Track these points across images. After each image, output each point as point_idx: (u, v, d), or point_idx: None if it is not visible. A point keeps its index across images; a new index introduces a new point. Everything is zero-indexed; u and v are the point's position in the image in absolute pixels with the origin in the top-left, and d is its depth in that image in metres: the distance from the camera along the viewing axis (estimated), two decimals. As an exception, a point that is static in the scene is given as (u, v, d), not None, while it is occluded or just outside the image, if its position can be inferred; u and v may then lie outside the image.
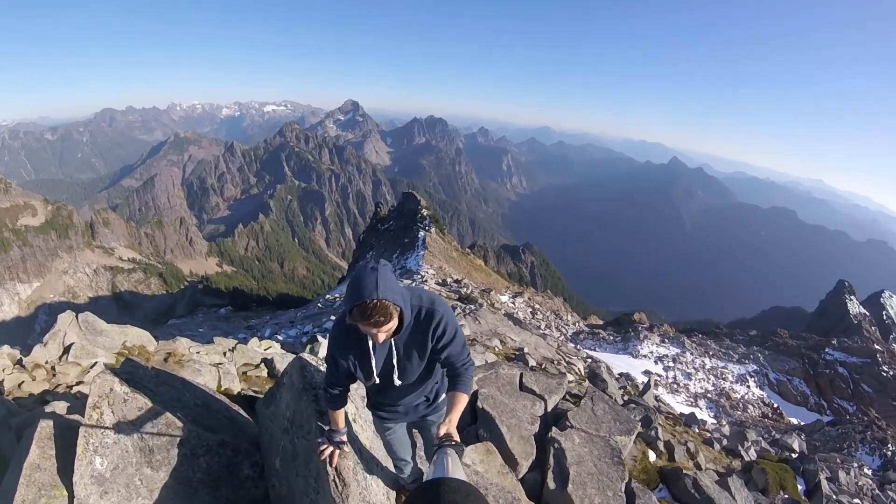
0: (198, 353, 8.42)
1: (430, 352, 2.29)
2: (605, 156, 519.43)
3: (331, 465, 2.61)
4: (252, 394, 6.46)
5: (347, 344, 2.28)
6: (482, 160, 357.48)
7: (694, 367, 30.28)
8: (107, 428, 2.82)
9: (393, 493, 3.04)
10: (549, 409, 5.96)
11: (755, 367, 32.55)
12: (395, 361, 2.27)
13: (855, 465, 15.11)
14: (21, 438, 3.51)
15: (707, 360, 31.82)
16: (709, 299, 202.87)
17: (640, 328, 36.99)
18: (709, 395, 27.33)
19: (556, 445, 4.95)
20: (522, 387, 6.25)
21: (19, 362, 6.98)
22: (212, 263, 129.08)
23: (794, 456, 11.98)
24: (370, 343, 2.20)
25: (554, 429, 5.29)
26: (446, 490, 1.47)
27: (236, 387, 7.03)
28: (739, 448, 10.45)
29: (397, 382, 2.33)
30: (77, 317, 8.39)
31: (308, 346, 12.27)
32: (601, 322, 49.38)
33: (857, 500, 10.35)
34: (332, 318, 23.72)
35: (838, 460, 14.98)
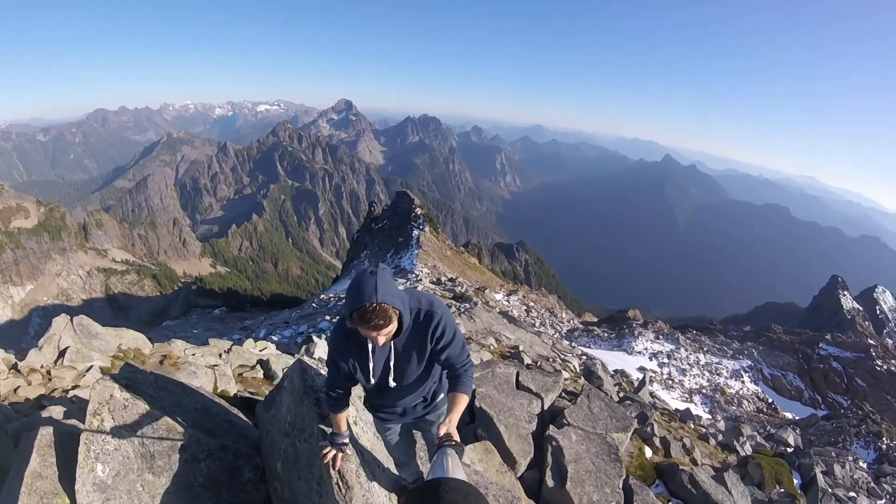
0: (193, 355, 8.40)
1: (430, 353, 2.32)
2: (599, 154, 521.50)
3: (334, 469, 2.62)
4: (249, 395, 6.45)
5: (348, 347, 2.31)
6: (476, 159, 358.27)
7: (688, 363, 30.47)
8: (108, 434, 2.81)
9: (395, 496, 3.06)
10: (545, 407, 6.00)
11: (749, 363, 32.79)
12: (392, 364, 2.30)
13: (850, 458, 15.29)
14: (18, 444, 3.49)
15: (701, 356, 32.02)
16: (703, 295, 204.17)
17: (634, 325, 37.17)
18: (704, 390, 27.50)
19: (553, 443, 4.99)
20: (519, 385, 6.28)
21: (14, 367, 6.92)
22: (205, 264, 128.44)
23: (789, 450, 12.11)
24: (370, 346, 2.23)
25: (551, 427, 5.32)
26: (446, 490, 1.48)
27: (233, 388, 7.01)
28: (735, 443, 10.54)
29: (392, 384, 2.36)
30: (72, 320, 8.33)
31: (303, 347, 12.25)
32: (596, 319, 49.57)
33: (852, 494, 10.46)
34: (327, 317, 23.77)
35: (833, 454, 15.14)
